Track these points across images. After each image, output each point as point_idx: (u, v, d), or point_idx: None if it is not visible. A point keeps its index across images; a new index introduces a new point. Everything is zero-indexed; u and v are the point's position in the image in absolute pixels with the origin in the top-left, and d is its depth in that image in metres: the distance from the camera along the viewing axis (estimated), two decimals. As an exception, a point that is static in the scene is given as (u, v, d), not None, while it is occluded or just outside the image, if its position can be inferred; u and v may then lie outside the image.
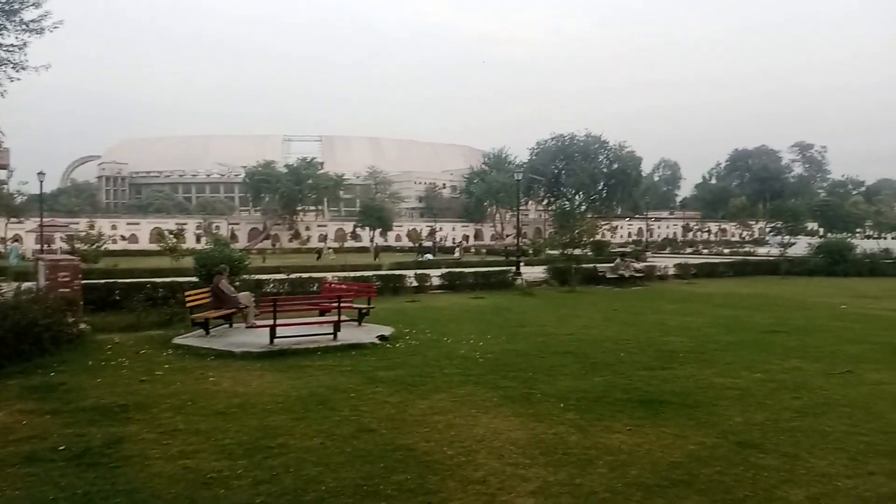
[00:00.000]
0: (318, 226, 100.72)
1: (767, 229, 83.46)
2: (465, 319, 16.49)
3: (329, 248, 66.24)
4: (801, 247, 42.83)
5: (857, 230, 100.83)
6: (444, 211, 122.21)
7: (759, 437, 6.80)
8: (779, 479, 5.68)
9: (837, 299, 21.25)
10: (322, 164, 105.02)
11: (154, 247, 54.34)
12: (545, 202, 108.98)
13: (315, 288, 20.66)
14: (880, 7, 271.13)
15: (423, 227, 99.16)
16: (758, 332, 14.35)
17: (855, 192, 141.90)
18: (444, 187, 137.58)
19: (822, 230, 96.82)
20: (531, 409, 7.96)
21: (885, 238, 75.17)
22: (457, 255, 55.97)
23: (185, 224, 77.76)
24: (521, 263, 31.27)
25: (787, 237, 40.75)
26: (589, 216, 67.58)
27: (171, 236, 42.85)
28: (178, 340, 12.84)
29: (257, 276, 21.66)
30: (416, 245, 72.11)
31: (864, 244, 47.83)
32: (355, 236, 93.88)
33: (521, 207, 46.88)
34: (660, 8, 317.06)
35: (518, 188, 41.69)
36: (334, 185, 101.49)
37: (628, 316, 17.32)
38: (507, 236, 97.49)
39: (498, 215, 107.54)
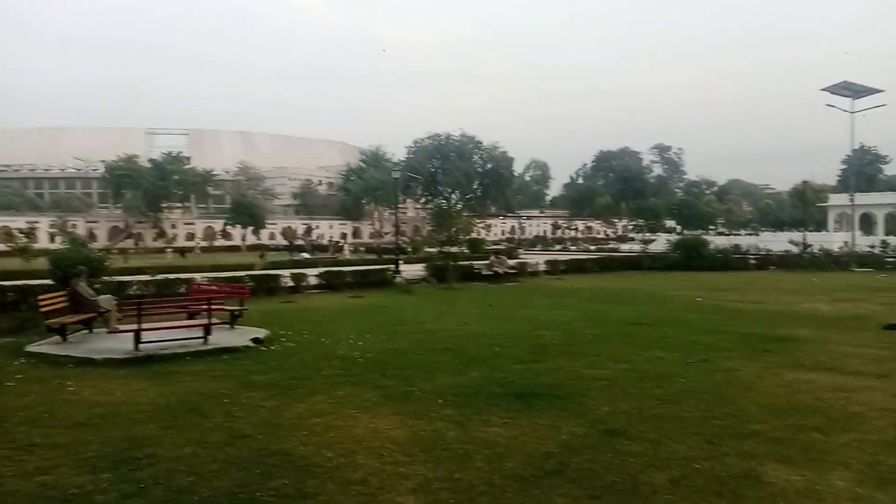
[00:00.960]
0: (185, 224, 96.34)
1: (630, 227, 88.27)
2: (344, 319, 16.34)
3: (169, 250, 63.68)
4: (660, 243, 45.66)
5: (711, 227, 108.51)
6: (321, 208, 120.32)
7: (625, 425, 7.18)
8: (643, 463, 6.03)
9: (693, 292, 22.82)
10: (189, 158, 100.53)
11: (2, 247, 49.91)
12: (423, 200, 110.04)
13: (183, 290, 19.75)
14: (726, 27, 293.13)
15: (299, 225, 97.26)
16: (623, 324, 15.15)
17: (708, 192, 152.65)
18: (320, 184, 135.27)
19: (679, 227, 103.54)
20: (411, 406, 8.01)
21: (735, 234, 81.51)
22: (346, 253, 55.48)
23: (38, 222, 71.96)
24: (401, 261, 31.37)
25: (648, 234, 43.32)
26: (465, 214, 68.68)
27: (22, 236, 39.54)
28: (31, 348, 11.89)
29: (119, 278, 20.50)
30: (290, 244, 70.57)
31: (717, 240, 51.70)
32: (226, 234, 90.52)
33: (399, 205, 46.98)
34: (534, 14, 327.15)
35: (396, 186, 41.73)
36: (202, 181, 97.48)
37: (503, 311, 17.79)
38: (386, 234, 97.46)
39: (376, 213, 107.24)
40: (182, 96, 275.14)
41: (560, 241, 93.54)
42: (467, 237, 39.09)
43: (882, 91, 44.53)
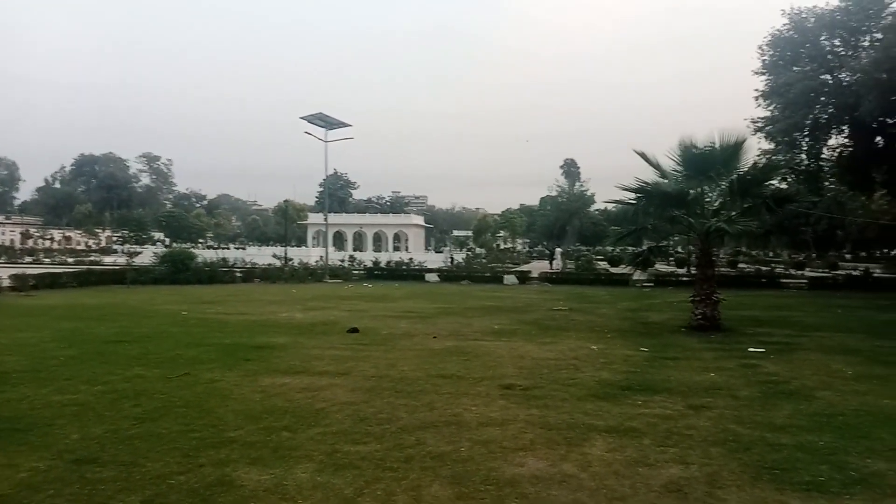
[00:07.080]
0: None
1: (115, 238, 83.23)
2: None
3: None
4: (147, 256, 44.21)
5: (200, 240, 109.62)
6: None
7: (97, 451, 6.73)
8: (115, 488, 5.74)
9: (180, 306, 22.69)
10: None
11: None
12: None
13: None
14: (220, 47, 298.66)
15: None
16: (101, 343, 14.18)
17: (198, 205, 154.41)
18: None
19: (168, 240, 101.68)
20: None
21: (224, 248, 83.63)
22: None
23: None
24: None
25: (135, 246, 41.41)
26: None
27: None
28: None
29: None
30: None
31: (206, 254, 52.47)
32: None
33: None
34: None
35: None
36: None
37: (-53, 337, 14.85)
38: None
39: None
40: None
41: (32, 252, 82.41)
42: None
43: (350, 125, 51.22)
